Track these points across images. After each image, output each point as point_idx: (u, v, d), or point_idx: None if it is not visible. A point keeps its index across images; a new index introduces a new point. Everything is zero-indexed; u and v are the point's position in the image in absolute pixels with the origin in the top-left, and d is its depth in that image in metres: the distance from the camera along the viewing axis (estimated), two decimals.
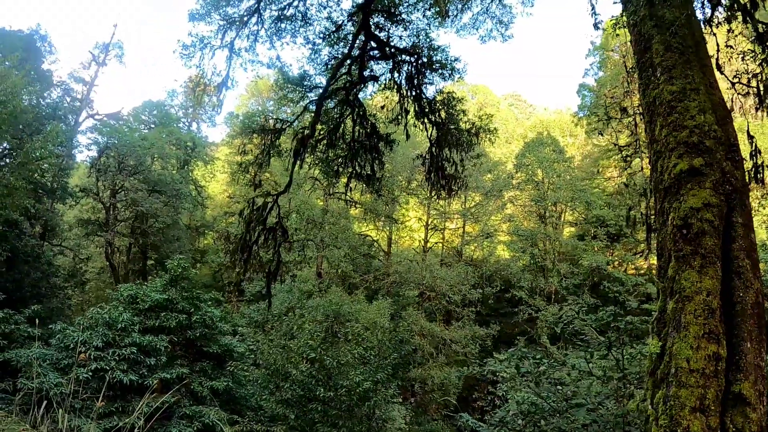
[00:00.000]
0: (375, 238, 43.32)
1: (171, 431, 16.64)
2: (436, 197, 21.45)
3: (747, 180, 7.69)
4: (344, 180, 18.73)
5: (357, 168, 17.82)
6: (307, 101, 17.69)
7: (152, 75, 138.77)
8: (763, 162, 9.12)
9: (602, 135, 34.89)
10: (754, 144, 9.09)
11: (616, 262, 41.79)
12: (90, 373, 16.12)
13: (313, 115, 16.68)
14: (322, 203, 39.60)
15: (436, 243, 45.44)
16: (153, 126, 47.46)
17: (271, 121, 18.89)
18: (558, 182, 44.04)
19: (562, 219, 47.55)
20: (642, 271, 38.35)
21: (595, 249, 43.07)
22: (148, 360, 17.78)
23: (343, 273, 40.31)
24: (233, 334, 23.05)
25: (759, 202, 36.86)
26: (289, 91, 18.45)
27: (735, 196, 6.36)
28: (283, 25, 16.71)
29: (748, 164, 9.21)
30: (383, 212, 40.94)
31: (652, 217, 8.19)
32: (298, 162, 16.42)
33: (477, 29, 17.80)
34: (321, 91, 16.79)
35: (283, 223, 17.10)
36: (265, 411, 18.43)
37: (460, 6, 17.05)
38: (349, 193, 21.31)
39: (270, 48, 17.39)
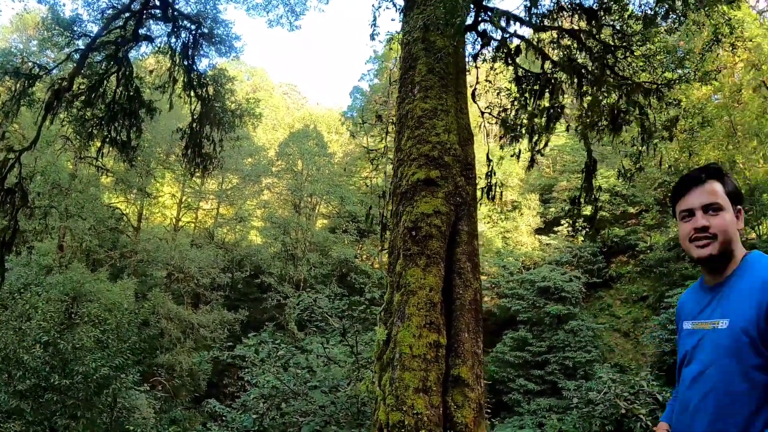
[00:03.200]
0: (125, 212, 40.88)
1: None
2: (189, 174, 20.90)
3: (480, 195, 8.86)
4: (98, 144, 17.18)
5: (113, 132, 16.45)
6: (73, 49, 15.91)
7: None
8: (496, 182, 10.55)
9: (354, 137, 36.54)
10: (491, 166, 10.48)
11: (364, 256, 44.04)
12: None
13: (75, 65, 15.03)
14: (71, 167, 36.36)
15: (188, 222, 44.11)
16: None
17: (29, 64, 16.84)
18: (316, 175, 45.16)
19: (317, 211, 48.63)
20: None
21: (345, 242, 44.82)
22: None
23: (88, 247, 37.36)
24: None
25: (499, 217, 41.44)
26: (56, 34, 16.38)
27: (464, 208, 7.22)
28: None
29: (484, 182, 10.62)
30: (136, 184, 38.78)
31: (388, 217, 8.99)
32: (50, 117, 14.62)
33: (268, 12, 17.74)
34: (89, 40, 15.29)
35: (24, 185, 15.20)
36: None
37: None
38: (101, 159, 19.82)
39: None
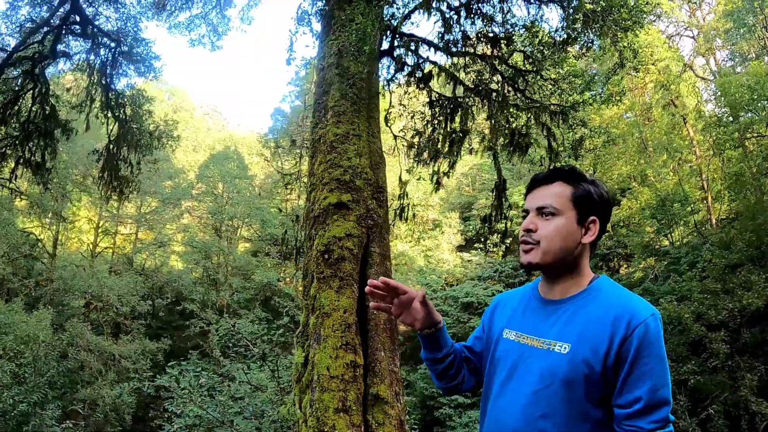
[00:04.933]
0: (40, 237, 39.07)
1: None
2: (106, 199, 20.29)
3: (393, 217, 9.07)
4: (11, 165, 16.35)
5: (28, 153, 15.80)
6: None
7: None
8: (409, 203, 10.82)
9: (267, 161, 36.30)
10: (404, 188, 10.74)
11: (288, 279, 43.55)
12: None
13: None
14: None
15: (106, 248, 42.54)
16: None
17: None
18: (237, 198, 44.55)
19: (238, 234, 47.84)
20: None
21: (268, 265, 44.26)
22: None
23: (1, 276, 35.50)
24: None
25: (420, 236, 41.97)
26: None
27: (375, 230, 7.39)
28: None
29: (398, 204, 10.87)
30: (51, 208, 37.22)
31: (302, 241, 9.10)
32: None
33: (190, 31, 17.50)
34: (6, 55, 14.76)
35: None
36: None
37: (179, 3, 16.61)
38: (15, 181, 19.05)
39: None
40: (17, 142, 15.85)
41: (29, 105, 15.59)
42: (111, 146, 16.85)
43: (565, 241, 2.12)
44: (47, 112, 15.61)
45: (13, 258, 35.40)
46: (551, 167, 2.33)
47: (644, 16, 10.53)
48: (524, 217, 2.23)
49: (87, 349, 31.59)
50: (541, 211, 2.15)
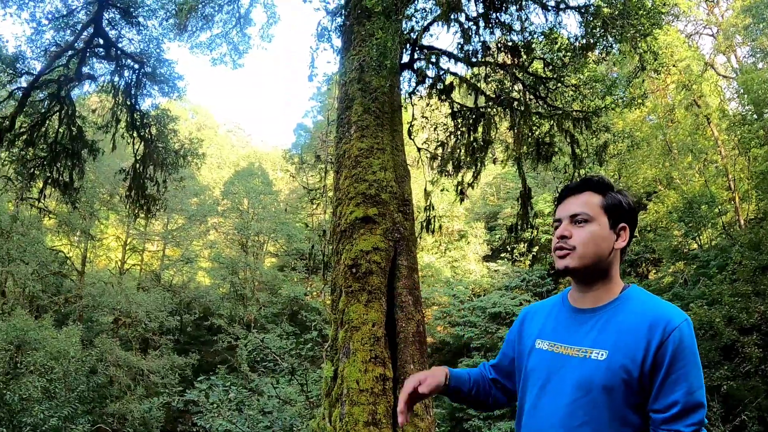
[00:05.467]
0: (68, 255, 39.51)
1: None
2: (133, 217, 20.51)
3: (419, 229, 9.10)
4: (40, 185, 16.77)
5: (55, 173, 16.15)
6: (16, 87, 15.43)
7: None
8: (435, 215, 10.83)
9: (294, 178, 36.39)
10: (429, 200, 10.76)
11: (315, 293, 43.57)
12: None
13: (17, 104, 14.72)
14: (12, 208, 34.98)
15: (134, 265, 42.87)
16: None
17: None
18: (262, 213, 44.74)
19: (264, 249, 48.07)
20: None
21: (294, 280, 44.32)
22: None
23: (31, 293, 35.83)
24: None
25: (446, 247, 41.82)
26: None
27: (402, 243, 7.41)
28: None
29: (424, 216, 10.89)
30: (80, 226, 37.62)
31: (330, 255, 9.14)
32: None
33: (212, 50, 17.54)
34: (32, 78, 14.94)
35: None
36: None
37: (200, 24, 16.80)
38: (43, 201, 19.35)
39: None
40: (45, 162, 16.17)
41: (56, 126, 15.93)
42: (137, 165, 17.08)
43: (599, 246, 2.16)
44: (74, 133, 15.94)
45: (43, 275, 35.63)
46: (581, 178, 2.37)
47: (662, 17, 10.46)
48: (556, 227, 2.27)
49: (116, 364, 31.78)
50: (574, 219, 2.19)
